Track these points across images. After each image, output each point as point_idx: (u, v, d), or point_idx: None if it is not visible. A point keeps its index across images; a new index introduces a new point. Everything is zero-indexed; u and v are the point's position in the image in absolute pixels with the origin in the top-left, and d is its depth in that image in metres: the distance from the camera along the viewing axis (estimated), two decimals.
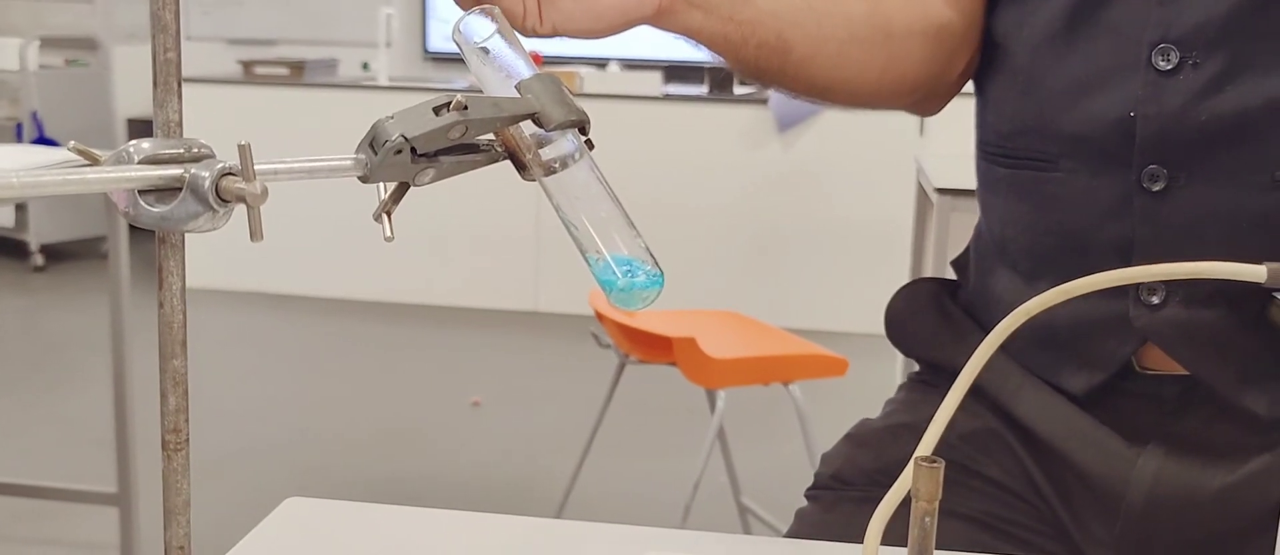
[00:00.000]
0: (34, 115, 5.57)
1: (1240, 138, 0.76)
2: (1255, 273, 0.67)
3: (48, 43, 5.87)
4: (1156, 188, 0.78)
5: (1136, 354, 0.82)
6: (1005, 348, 0.82)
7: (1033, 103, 0.83)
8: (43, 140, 5.45)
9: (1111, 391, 0.84)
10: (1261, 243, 0.77)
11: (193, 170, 0.49)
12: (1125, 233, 0.80)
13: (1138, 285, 0.80)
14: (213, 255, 4.71)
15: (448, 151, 0.57)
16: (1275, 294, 0.73)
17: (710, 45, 0.82)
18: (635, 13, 0.76)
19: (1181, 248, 0.78)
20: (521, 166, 0.61)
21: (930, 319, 0.97)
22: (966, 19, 0.89)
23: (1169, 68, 0.76)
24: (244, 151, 0.48)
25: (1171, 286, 0.80)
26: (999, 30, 0.88)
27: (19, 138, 5.55)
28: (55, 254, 5.53)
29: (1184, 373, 0.82)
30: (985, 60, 0.91)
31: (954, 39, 0.90)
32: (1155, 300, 0.80)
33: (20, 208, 5.08)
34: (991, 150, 0.89)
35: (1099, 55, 0.80)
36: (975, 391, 0.86)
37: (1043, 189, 0.84)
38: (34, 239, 5.40)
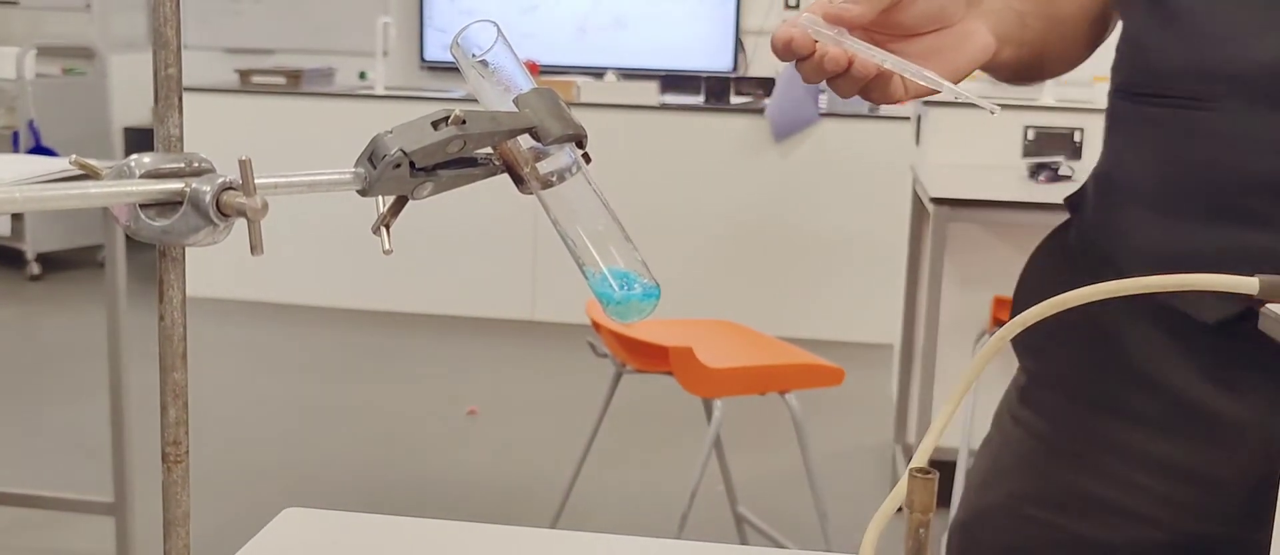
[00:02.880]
0: (31, 124, 5.57)
1: None
2: (1248, 285, 0.68)
3: (45, 51, 5.87)
4: None
5: None
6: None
7: (1189, 45, 0.86)
8: (39, 149, 5.45)
9: (1231, 334, 0.87)
10: None
11: (193, 185, 0.49)
12: None
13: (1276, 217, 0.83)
14: (209, 264, 4.71)
15: (446, 165, 0.58)
16: (1266, 304, 0.73)
17: (1014, 64, 0.93)
18: (980, 59, 0.86)
19: None
20: (519, 180, 0.62)
21: (1045, 268, 1.01)
22: None
23: None
24: (244, 166, 0.48)
25: None
26: None
27: (15, 146, 5.54)
28: (52, 262, 5.53)
29: None
30: (1130, 3, 0.94)
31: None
32: None
33: (17, 216, 5.07)
34: (1136, 91, 0.92)
35: (1255, 3, 0.82)
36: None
37: (1195, 127, 0.86)
38: (30, 247, 5.40)
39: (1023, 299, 1.02)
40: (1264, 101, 0.82)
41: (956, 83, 0.81)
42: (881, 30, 0.81)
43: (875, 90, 0.80)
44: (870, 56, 0.77)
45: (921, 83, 0.78)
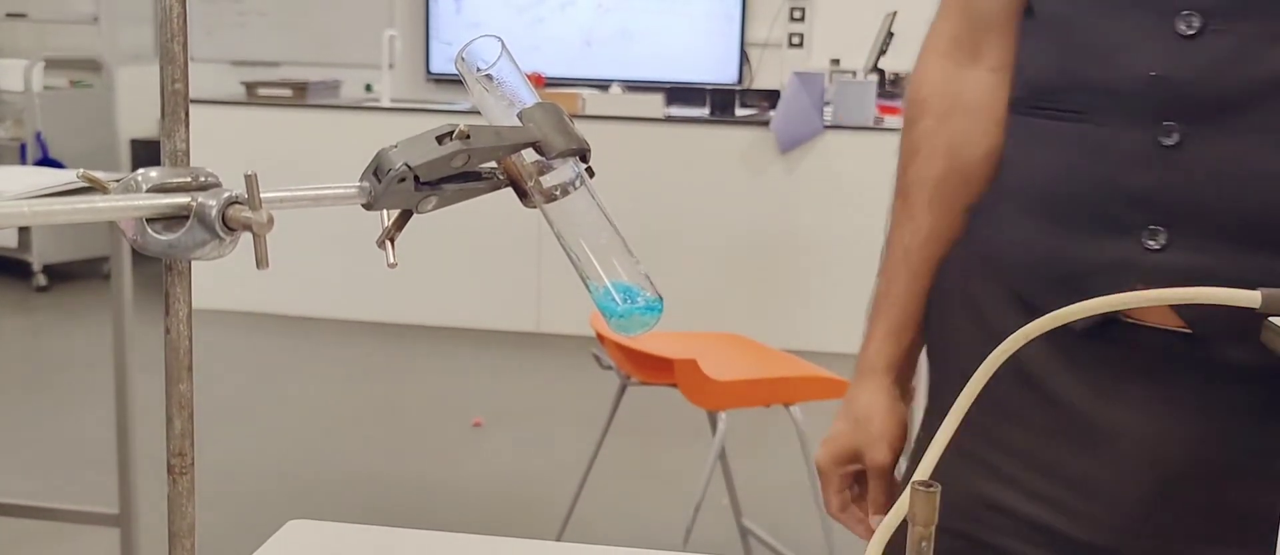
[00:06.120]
0: (38, 136, 5.59)
1: (1259, 101, 0.80)
2: (1250, 298, 0.68)
3: (52, 64, 5.89)
4: (1170, 143, 0.82)
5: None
6: (1022, 292, 0.93)
7: (1067, 60, 0.89)
8: (47, 161, 5.47)
9: (1105, 340, 0.89)
10: (1277, 199, 0.80)
11: (200, 199, 0.50)
12: (1147, 183, 0.84)
13: (1141, 229, 0.85)
14: (214, 275, 4.71)
15: (450, 180, 0.58)
16: (1270, 319, 0.73)
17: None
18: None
19: (1196, 200, 0.82)
20: (523, 194, 0.62)
21: (954, 282, 1.05)
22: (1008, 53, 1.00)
23: (1191, 32, 0.81)
24: (251, 181, 0.49)
25: (1174, 233, 0.83)
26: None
27: (23, 159, 5.56)
28: (58, 274, 5.54)
29: (1165, 326, 0.86)
30: (1023, 23, 0.97)
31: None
32: (1154, 245, 0.84)
33: (23, 228, 5.08)
34: (1027, 105, 0.95)
35: (1128, 17, 0.85)
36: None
37: (1072, 140, 0.89)
38: (36, 259, 5.41)
39: (935, 311, 1.08)
40: (1124, 115, 0.85)
41: None
42: None
43: None
44: None
45: None
